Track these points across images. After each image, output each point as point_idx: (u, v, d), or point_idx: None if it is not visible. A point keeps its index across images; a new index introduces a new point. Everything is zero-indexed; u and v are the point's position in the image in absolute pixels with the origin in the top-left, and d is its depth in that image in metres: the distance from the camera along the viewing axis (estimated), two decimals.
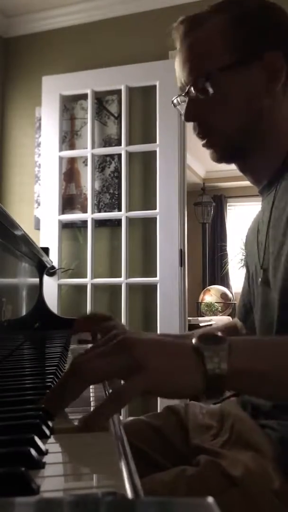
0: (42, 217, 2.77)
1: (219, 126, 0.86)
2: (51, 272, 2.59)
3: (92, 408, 0.60)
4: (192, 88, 0.85)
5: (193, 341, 0.55)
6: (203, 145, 0.90)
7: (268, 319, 0.83)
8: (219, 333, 0.57)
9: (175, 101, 0.92)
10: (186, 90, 0.87)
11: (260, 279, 0.88)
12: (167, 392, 0.54)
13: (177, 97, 0.91)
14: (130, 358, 0.52)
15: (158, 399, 2.41)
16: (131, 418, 1.05)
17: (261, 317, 0.88)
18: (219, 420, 0.93)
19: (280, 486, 0.69)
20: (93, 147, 2.72)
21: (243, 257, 6.08)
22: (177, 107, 0.92)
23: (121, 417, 0.59)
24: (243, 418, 0.87)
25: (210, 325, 3.62)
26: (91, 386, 0.70)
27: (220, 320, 4.51)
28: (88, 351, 0.57)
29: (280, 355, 0.58)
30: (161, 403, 2.39)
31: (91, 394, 0.68)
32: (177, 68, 0.90)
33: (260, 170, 0.91)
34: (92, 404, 0.64)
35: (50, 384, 0.70)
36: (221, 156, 0.89)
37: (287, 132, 0.86)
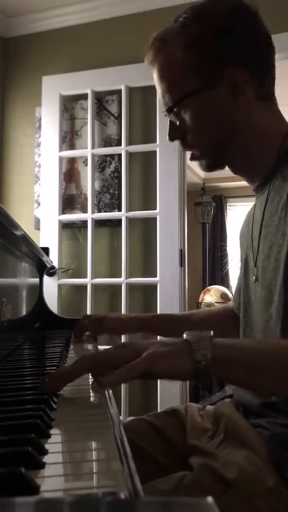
0: (42, 217, 2.77)
1: (197, 143, 0.93)
2: (51, 272, 2.59)
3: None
4: (168, 113, 0.93)
5: (184, 335, 0.67)
6: (190, 159, 0.98)
7: (264, 315, 0.86)
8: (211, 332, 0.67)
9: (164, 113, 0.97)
10: (164, 112, 0.94)
11: (254, 277, 0.91)
12: (162, 372, 0.64)
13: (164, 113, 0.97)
14: (132, 350, 0.65)
15: (158, 400, 2.41)
16: (131, 418, 1.07)
17: (256, 311, 0.91)
18: (214, 422, 0.95)
19: (273, 483, 0.71)
20: (93, 147, 2.72)
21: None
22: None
23: (121, 417, 0.60)
24: (236, 418, 0.89)
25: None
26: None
27: None
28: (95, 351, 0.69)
29: (258, 350, 0.70)
30: (161, 404, 2.40)
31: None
32: (157, 89, 0.96)
33: (252, 171, 0.94)
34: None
35: None
36: (207, 166, 0.96)
37: (272, 133, 0.89)
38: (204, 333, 0.66)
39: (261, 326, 0.87)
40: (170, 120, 0.94)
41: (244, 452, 0.78)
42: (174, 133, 0.94)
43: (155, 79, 0.95)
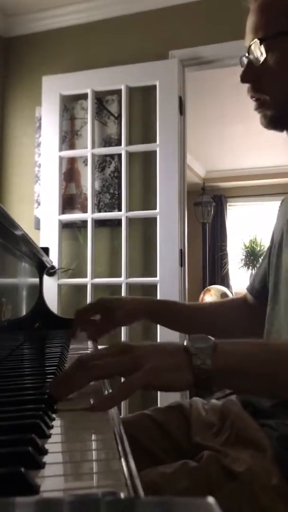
0: (42, 217, 2.77)
1: (270, 91, 0.86)
2: (51, 272, 2.59)
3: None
4: (251, 48, 0.86)
5: (185, 342, 0.64)
6: (254, 109, 0.90)
7: None
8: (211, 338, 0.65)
9: (242, 59, 0.91)
10: (247, 51, 0.87)
11: None
12: (162, 386, 0.63)
13: (242, 56, 0.91)
14: (130, 359, 0.62)
15: (158, 395, 2.41)
16: (133, 413, 1.04)
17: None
18: (221, 418, 0.93)
19: (278, 481, 0.71)
20: (93, 147, 2.72)
21: (243, 257, 6.09)
22: (242, 65, 0.92)
23: (120, 416, 0.60)
24: (243, 416, 0.88)
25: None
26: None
27: None
28: (94, 352, 0.65)
29: (264, 357, 0.67)
30: (160, 399, 2.39)
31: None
32: (246, 27, 0.89)
33: None
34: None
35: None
36: (270, 119, 0.88)
37: None
38: (205, 340, 0.64)
39: None
40: (248, 61, 0.88)
41: (250, 451, 0.77)
42: (249, 74, 0.87)
43: (251, 10, 0.88)
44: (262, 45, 0.84)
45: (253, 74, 0.87)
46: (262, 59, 0.84)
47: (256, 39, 0.84)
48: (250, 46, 0.86)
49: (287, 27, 0.82)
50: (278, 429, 0.80)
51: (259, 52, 0.85)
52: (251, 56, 0.87)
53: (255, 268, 5.71)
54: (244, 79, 0.88)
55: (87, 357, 0.64)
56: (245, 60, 0.89)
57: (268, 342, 0.84)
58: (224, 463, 0.74)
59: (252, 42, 0.86)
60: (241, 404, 0.94)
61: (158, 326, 2.48)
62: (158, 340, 2.47)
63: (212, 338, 0.65)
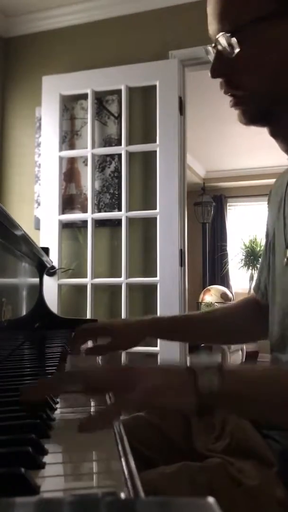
0: (42, 217, 2.77)
1: (247, 86, 0.75)
2: (51, 272, 2.59)
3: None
4: (220, 40, 0.73)
5: (188, 362, 0.60)
6: (231, 105, 0.79)
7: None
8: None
9: (207, 49, 0.78)
10: (214, 42, 0.74)
11: (285, 259, 0.83)
12: (161, 407, 0.57)
13: (208, 46, 0.78)
14: (126, 376, 0.56)
15: None
16: (128, 416, 0.97)
17: (281, 299, 0.84)
18: (221, 421, 0.89)
19: (283, 495, 0.68)
20: (93, 147, 2.72)
21: (243, 257, 6.09)
22: (209, 56, 0.79)
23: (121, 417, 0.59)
24: (244, 426, 0.83)
25: None
26: None
27: None
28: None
29: (271, 384, 0.60)
30: None
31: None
32: (208, 13, 0.76)
33: None
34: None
35: None
36: (249, 119, 0.78)
37: None
38: (211, 360, 0.59)
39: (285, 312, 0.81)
40: (216, 53, 0.75)
41: (254, 462, 0.74)
42: (221, 68, 0.74)
43: (210, 3, 0.75)
44: (236, 36, 0.71)
45: (226, 68, 0.74)
46: (235, 51, 0.72)
47: (225, 32, 0.72)
48: (217, 37, 0.73)
49: (259, 12, 0.69)
50: (282, 442, 0.76)
51: (231, 45, 0.72)
52: (219, 47, 0.73)
53: (255, 268, 5.71)
54: (215, 74, 0.75)
55: (80, 373, 0.59)
56: (212, 51, 0.76)
57: (278, 368, 0.77)
58: (229, 470, 0.71)
59: (220, 34, 0.72)
60: None
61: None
62: (158, 346, 2.47)
63: (217, 360, 0.60)
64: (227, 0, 0.72)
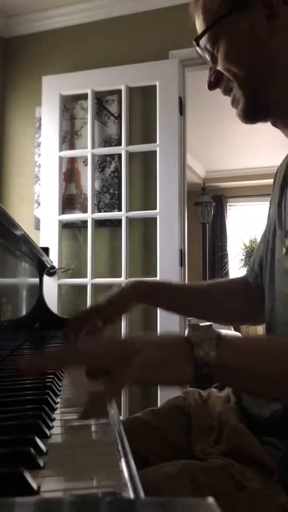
0: (42, 217, 2.77)
1: (236, 74, 0.81)
2: (51, 272, 2.59)
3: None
4: (204, 42, 0.83)
5: (186, 332, 0.57)
6: (232, 105, 0.86)
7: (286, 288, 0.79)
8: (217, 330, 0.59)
9: (205, 57, 0.87)
10: (202, 45, 0.84)
11: (284, 249, 0.83)
12: (158, 380, 0.56)
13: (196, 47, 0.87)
14: (119, 351, 0.55)
15: (158, 396, 2.40)
16: (127, 417, 0.99)
17: (280, 286, 0.84)
18: (219, 424, 0.87)
19: (286, 501, 0.67)
20: (93, 147, 2.72)
21: (243, 257, 6.09)
22: (200, 52, 0.87)
23: (121, 417, 0.59)
24: (241, 431, 0.81)
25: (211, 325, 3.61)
26: None
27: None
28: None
29: (269, 354, 0.59)
30: (161, 399, 2.38)
31: None
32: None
33: None
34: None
35: (50, 384, 0.70)
36: (243, 115, 0.84)
37: None
38: (208, 330, 0.57)
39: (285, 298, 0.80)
40: (210, 67, 0.85)
41: (255, 468, 0.73)
42: (213, 77, 0.84)
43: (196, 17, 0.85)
44: (212, 32, 0.81)
45: (217, 74, 0.84)
46: (218, 46, 0.81)
47: (204, 32, 0.81)
48: (201, 38, 0.83)
49: (225, 8, 0.78)
50: (281, 449, 0.75)
51: (214, 40, 0.81)
52: (208, 49, 0.83)
53: None
54: (211, 84, 0.85)
55: (70, 350, 0.58)
56: (208, 58, 0.85)
57: (279, 339, 0.74)
58: (232, 472, 0.71)
59: (201, 37, 0.83)
60: (239, 408, 0.89)
61: (158, 315, 2.46)
62: (159, 328, 2.46)
63: (215, 329, 0.58)
64: (200, 11, 0.83)
